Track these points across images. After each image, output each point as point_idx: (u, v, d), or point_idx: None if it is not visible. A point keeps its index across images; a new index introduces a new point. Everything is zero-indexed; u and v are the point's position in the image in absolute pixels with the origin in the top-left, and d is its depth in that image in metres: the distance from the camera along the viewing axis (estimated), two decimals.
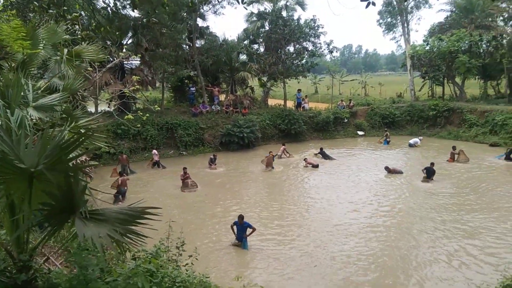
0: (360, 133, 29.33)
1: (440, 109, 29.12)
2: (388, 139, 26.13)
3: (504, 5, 30.05)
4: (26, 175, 3.11)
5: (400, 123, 30.28)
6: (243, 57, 30.56)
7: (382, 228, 12.31)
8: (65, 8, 8.01)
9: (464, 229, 12.02)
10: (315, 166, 20.07)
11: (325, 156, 21.89)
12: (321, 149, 22.36)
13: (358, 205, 14.46)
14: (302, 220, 13.27)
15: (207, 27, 30.62)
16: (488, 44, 30.48)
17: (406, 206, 14.32)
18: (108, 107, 25.61)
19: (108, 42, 23.63)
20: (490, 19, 31.53)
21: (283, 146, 23.04)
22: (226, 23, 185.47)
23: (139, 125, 18.69)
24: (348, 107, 30.82)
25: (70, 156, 3.25)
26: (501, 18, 31.48)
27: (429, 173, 17.00)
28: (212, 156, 20.68)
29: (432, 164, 17.32)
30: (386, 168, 18.63)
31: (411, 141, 25.26)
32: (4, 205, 3.46)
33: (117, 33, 22.84)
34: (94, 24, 9.73)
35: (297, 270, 9.80)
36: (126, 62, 25.37)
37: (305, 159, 20.68)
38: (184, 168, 16.98)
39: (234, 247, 11.20)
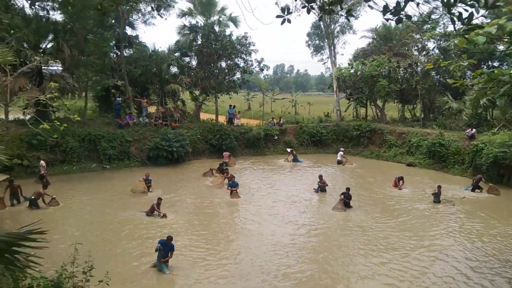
0: (289, 150, 29.87)
1: (363, 129, 30.78)
2: (296, 158, 26.90)
3: (418, 36, 32.95)
4: None
5: (326, 141, 31.45)
6: (174, 69, 29.87)
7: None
8: None
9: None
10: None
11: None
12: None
13: (282, 224, 14.51)
14: (233, 236, 12.94)
15: (137, 36, 29.61)
16: (405, 71, 33.03)
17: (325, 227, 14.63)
18: (23, 115, 23.41)
19: (25, 45, 21.84)
20: (406, 48, 34.26)
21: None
22: (158, 35, 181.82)
23: (56, 136, 17.16)
24: (278, 125, 31.39)
25: None
26: (415, 48, 34.32)
27: (347, 197, 16.40)
28: (144, 177, 18.28)
29: (348, 189, 16.77)
30: (320, 176, 19.24)
31: (338, 157, 26.28)
32: None
33: (34, 35, 21.16)
34: (8, 23, 8.78)
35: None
36: (45, 67, 23.52)
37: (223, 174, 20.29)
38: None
39: (155, 268, 10.49)
